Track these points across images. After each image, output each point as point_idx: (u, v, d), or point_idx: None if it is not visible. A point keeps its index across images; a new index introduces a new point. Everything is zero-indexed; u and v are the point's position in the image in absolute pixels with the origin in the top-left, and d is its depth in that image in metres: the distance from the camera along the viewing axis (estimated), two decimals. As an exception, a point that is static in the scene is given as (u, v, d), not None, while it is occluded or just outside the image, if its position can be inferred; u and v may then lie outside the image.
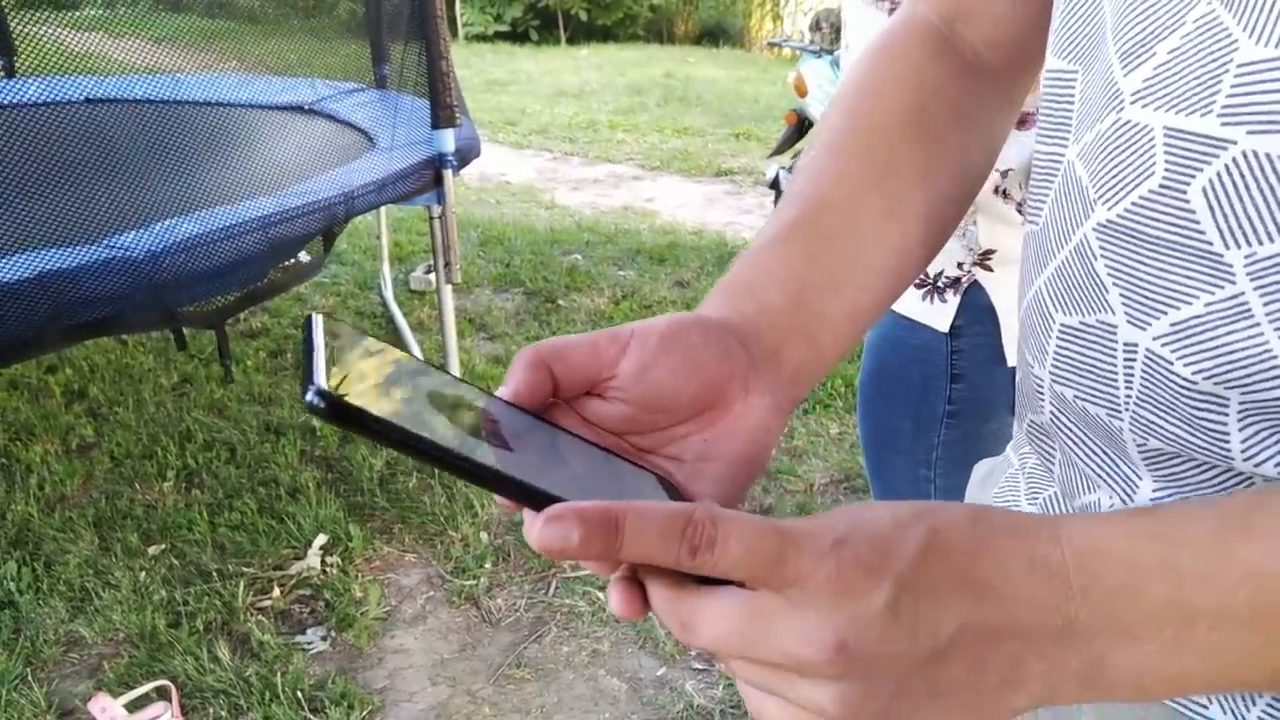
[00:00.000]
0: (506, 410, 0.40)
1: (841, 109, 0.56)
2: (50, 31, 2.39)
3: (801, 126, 4.81)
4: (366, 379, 0.35)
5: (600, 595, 2.25)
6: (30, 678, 1.95)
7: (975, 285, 1.09)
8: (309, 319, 0.36)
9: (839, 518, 0.34)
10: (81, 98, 2.81)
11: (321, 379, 0.32)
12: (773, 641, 0.33)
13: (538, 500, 0.34)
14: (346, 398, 0.32)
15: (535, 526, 0.33)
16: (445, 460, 0.34)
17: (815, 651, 0.32)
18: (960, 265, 1.09)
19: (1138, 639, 0.34)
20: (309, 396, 0.32)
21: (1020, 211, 1.04)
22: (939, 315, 1.11)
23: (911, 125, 0.54)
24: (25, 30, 2.35)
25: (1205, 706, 0.44)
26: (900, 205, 0.52)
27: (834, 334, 0.49)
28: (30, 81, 2.35)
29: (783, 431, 0.46)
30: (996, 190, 1.05)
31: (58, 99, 2.40)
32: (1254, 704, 0.42)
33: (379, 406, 0.33)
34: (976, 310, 1.10)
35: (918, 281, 1.11)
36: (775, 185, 4.62)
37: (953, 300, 1.10)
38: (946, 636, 0.33)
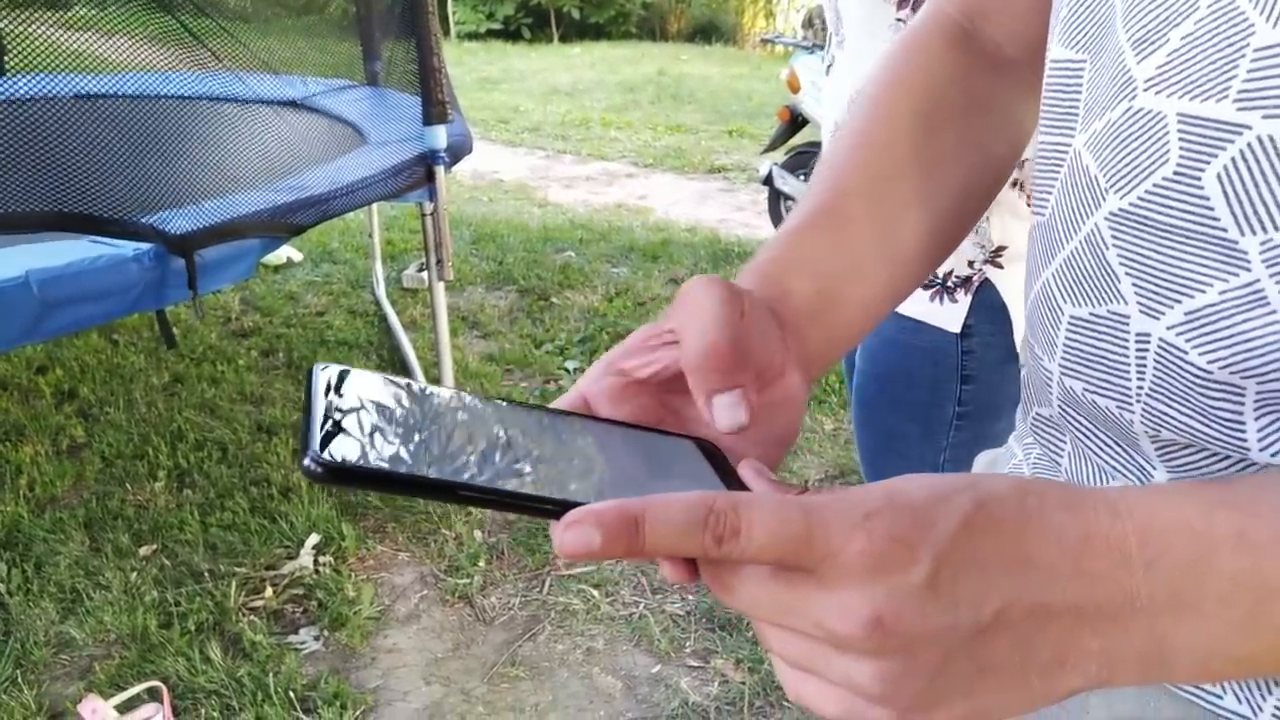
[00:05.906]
0: (524, 416, 0.40)
1: (865, 101, 0.57)
2: (41, 31, 2.38)
3: (794, 123, 4.81)
4: (368, 428, 0.34)
5: (594, 593, 2.24)
6: (20, 680, 1.93)
7: (986, 283, 1.07)
8: (310, 371, 0.36)
9: (875, 491, 0.33)
10: (71, 94, 2.79)
11: (316, 443, 0.32)
12: (808, 612, 0.32)
13: (557, 511, 0.34)
14: (345, 459, 0.32)
15: (556, 534, 0.32)
16: (457, 496, 0.34)
17: (850, 626, 0.31)
18: (971, 264, 1.07)
19: (1205, 616, 0.33)
20: (305, 462, 0.31)
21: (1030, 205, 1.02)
22: (950, 316, 1.08)
23: (930, 116, 0.55)
24: (16, 30, 2.33)
25: (1220, 696, 0.43)
26: (918, 196, 0.53)
27: (850, 321, 0.50)
28: (20, 79, 2.33)
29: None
30: (1014, 183, 1.02)
31: (48, 94, 2.38)
32: (1270, 692, 0.41)
33: (380, 457, 0.33)
34: (988, 309, 1.07)
35: (925, 282, 1.09)
36: (769, 182, 4.61)
37: (964, 300, 1.07)
38: (991, 612, 0.32)
